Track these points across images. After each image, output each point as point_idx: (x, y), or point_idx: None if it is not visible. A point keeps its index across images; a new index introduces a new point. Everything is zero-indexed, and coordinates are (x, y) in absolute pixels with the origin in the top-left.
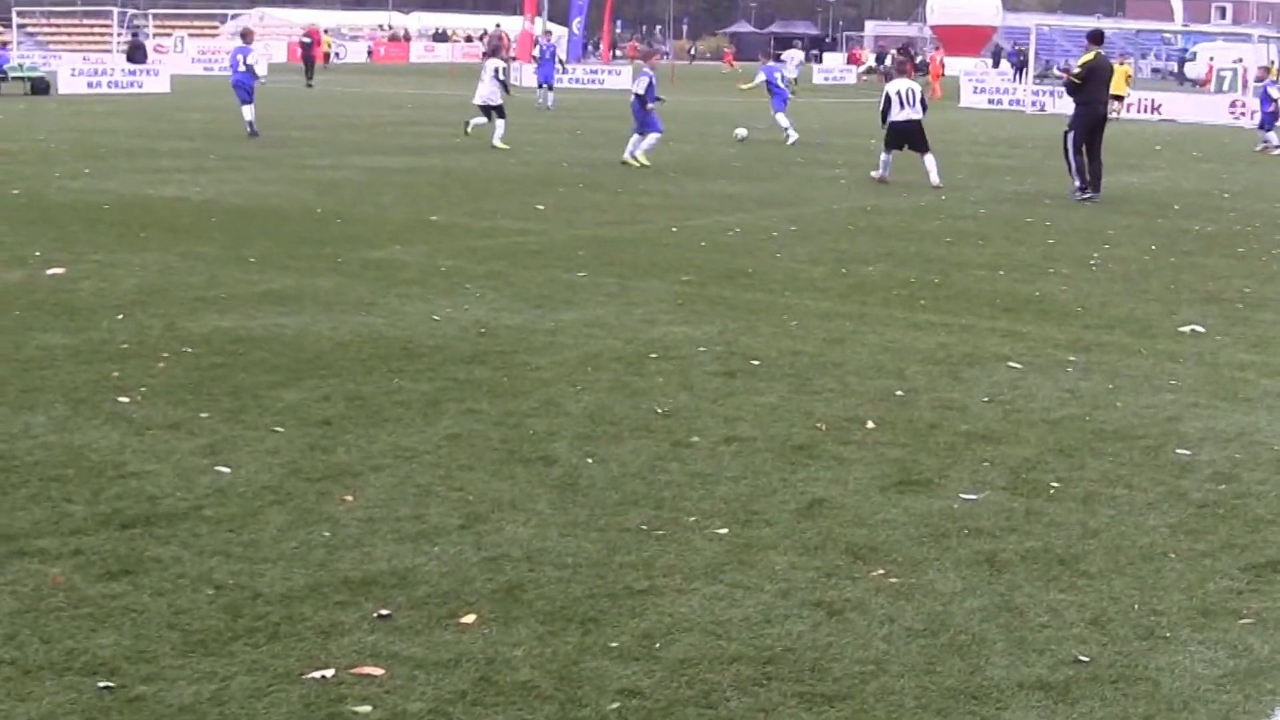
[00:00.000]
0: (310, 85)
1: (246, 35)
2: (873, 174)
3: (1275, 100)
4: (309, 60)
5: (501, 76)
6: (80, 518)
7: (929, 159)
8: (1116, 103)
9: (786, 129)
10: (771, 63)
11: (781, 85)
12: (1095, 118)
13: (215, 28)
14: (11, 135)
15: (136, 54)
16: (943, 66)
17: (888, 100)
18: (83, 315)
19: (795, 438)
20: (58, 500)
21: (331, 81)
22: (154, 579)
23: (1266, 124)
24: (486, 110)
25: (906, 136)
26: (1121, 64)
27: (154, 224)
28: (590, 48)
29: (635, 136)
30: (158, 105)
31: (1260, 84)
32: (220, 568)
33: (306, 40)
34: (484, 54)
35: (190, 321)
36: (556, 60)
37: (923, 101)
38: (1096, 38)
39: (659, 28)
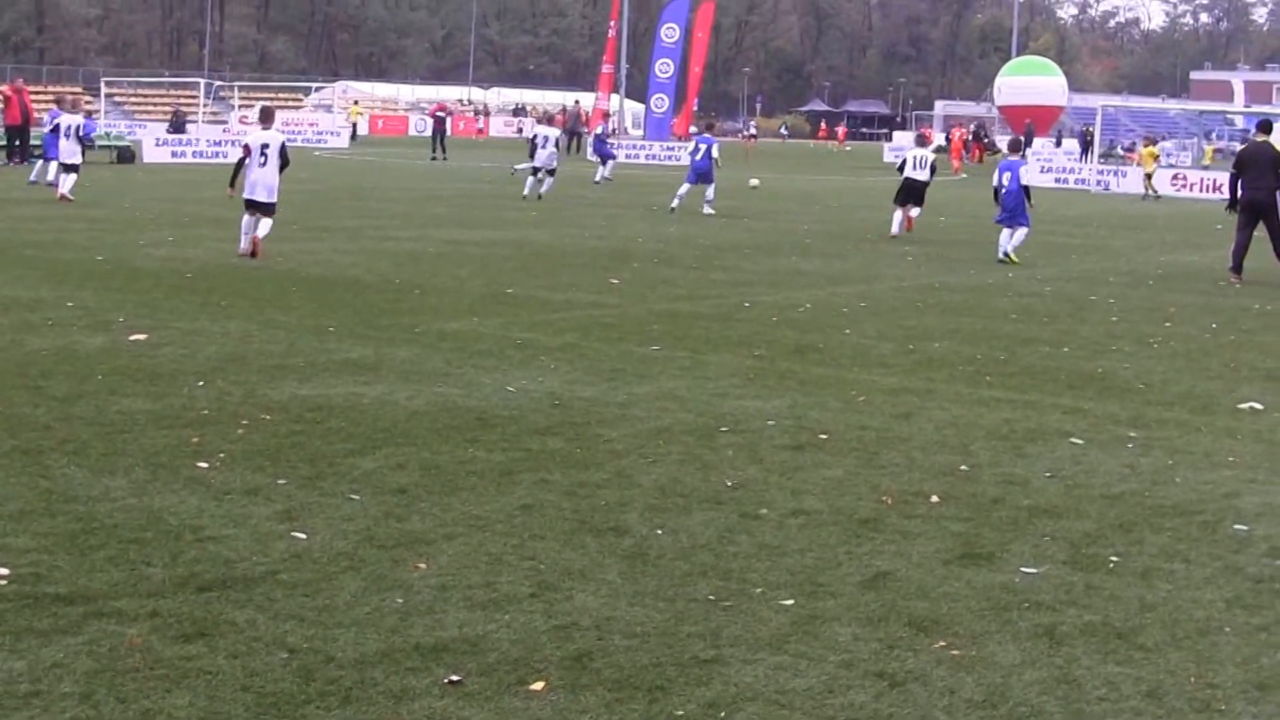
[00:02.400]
0: (435, 158)
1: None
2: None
3: None
4: (440, 133)
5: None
6: (158, 580)
7: (915, 210)
8: (1146, 180)
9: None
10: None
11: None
12: (1246, 201)
13: (299, 99)
14: (98, 203)
15: (178, 126)
16: (963, 144)
17: (903, 162)
18: (164, 381)
19: (861, 511)
20: (136, 562)
21: (412, 154)
22: (229, 642)
23: None
24: (536, 170)
25: (911, 194)
26: (1148, 145)
27: (235, 292)
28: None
29: (698, 186)
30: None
31: None
32: (294, 632)
33: (440, 114)
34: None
35: (269, 389)
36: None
37: (932, 167)
38: (1265, 127)
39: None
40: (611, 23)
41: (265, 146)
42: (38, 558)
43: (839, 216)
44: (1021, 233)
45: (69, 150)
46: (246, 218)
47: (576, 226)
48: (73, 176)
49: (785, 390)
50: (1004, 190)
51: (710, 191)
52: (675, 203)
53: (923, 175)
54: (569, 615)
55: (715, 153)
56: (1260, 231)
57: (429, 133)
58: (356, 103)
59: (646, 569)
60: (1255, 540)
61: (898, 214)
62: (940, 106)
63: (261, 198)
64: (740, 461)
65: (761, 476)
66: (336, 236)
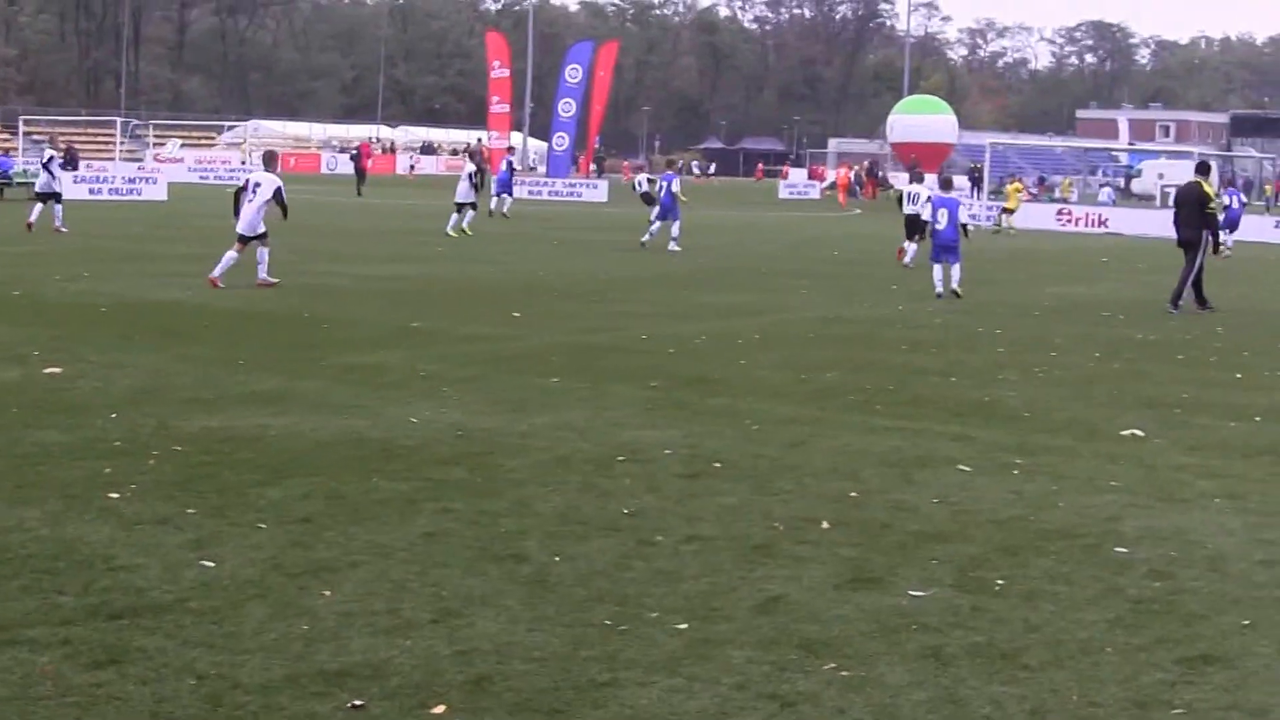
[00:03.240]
0: (360, 195)
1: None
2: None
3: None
4: (359, 171)
5: (475, 180)
6: (70, 608)
7: (912, 246)
8: (1007, 215)
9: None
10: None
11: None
12: (1179, 239)
13: (212, 138)
14: (14, 239)
15: (71, 163)
16: (849, 181)
17: (900, 196)
18: (78, 413)
19: (754, 537)
20: (49, 591)
21: (322, 192)
22: (139, 668)
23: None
24: (460, 206)
25: (914, 227)
26: (1012, 182)
27: (149, 326)
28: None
29: (664, 223)
30: (156, 212)
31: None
32: (203, 658)
33: (354, 153)
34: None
35: (181, 421)
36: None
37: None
38: (1202, 168)
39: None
40: (496, 63)
41: (257, 185)
42: None
43: (737, 250)
44: (958, 268)
45: None
46: (232, 251)
47: (482, 262)
48: None
49: (681, 420)
50: (940, 228)
51: (675, 228)
52: (645, 238)
53: (915, 209)
54: (470, 641)
55: (676, 187)
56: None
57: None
58: (243, 142)
59: (545, 595)
60: (1136, 563)
61: (910, 247)
62: (834, 144)
63: (241, 229)
64: (637, 490)
65: (658, 504)
66: (247, 272)
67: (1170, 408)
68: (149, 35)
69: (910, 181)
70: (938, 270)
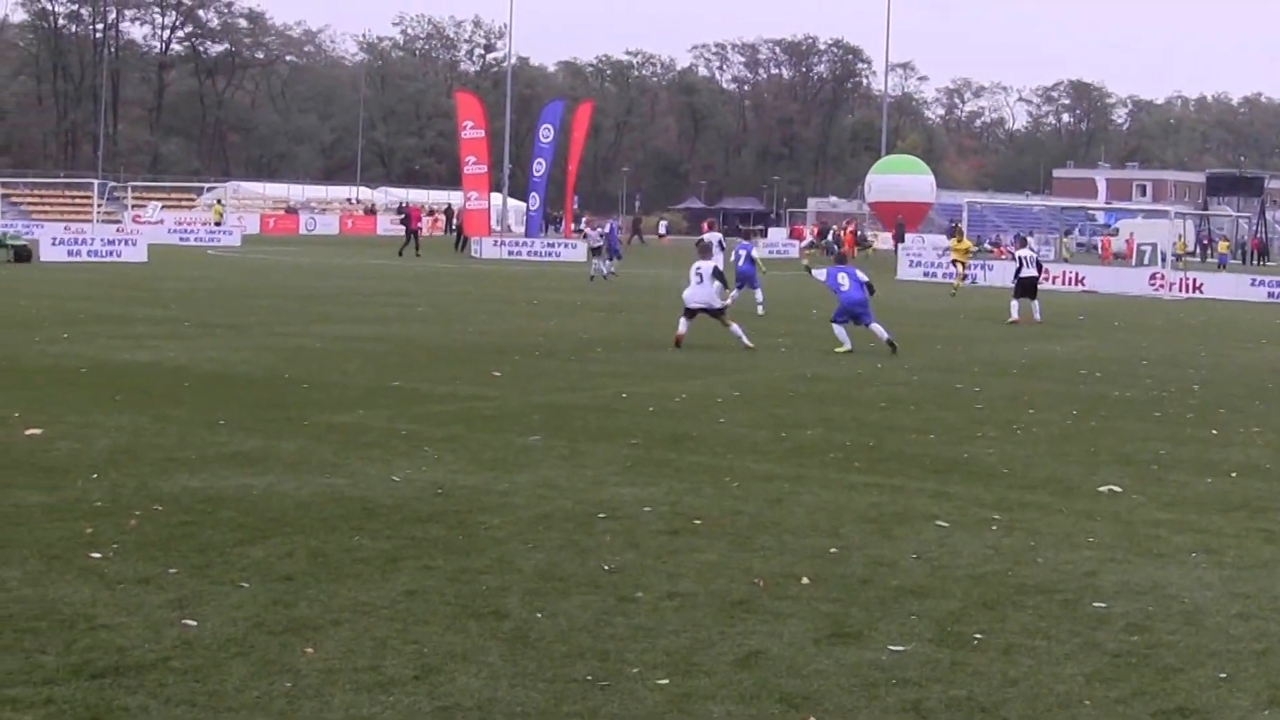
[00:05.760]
0: (420, 256)
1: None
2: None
3: None
4: (411, 233)
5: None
6: (52, 668)
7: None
8: (960, 267)
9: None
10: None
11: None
12: None
13: (192, 199)
14: None
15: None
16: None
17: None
18: (58, 474)
19: (735, 593)
20: (31, 651)
21: (301, 252)
22: None
23: None
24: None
25: (1026, 289)
26: (961, 240)
27: (129, 388)
28: (547, 224)
29: (743, 291)
30: (135, 274)
31: None
32: (185, 717)
33: (404, 215)
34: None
35: (161, 481)
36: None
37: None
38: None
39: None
40: (468, 123)
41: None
42: None
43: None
44: (877, 325)
45: None
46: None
47: (460, 322)
48: None
49: (661, 478)
50: (845, 290)
51: (759, 294)
52: (729, 301)
53: (1032, 271)
54: (452, 697)
55: (756, 254)
56: None
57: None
58: (220, 201)
59: (527, 651)
60: (1113, 617)
61: (1014, 304)
62: (813, 204)
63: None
64: (618, 546)
65: (638, 561)
66: (227, 333)
67: (1147, 464)
68: (127, 97)
69: (1017, 246)
70: (841, 330)
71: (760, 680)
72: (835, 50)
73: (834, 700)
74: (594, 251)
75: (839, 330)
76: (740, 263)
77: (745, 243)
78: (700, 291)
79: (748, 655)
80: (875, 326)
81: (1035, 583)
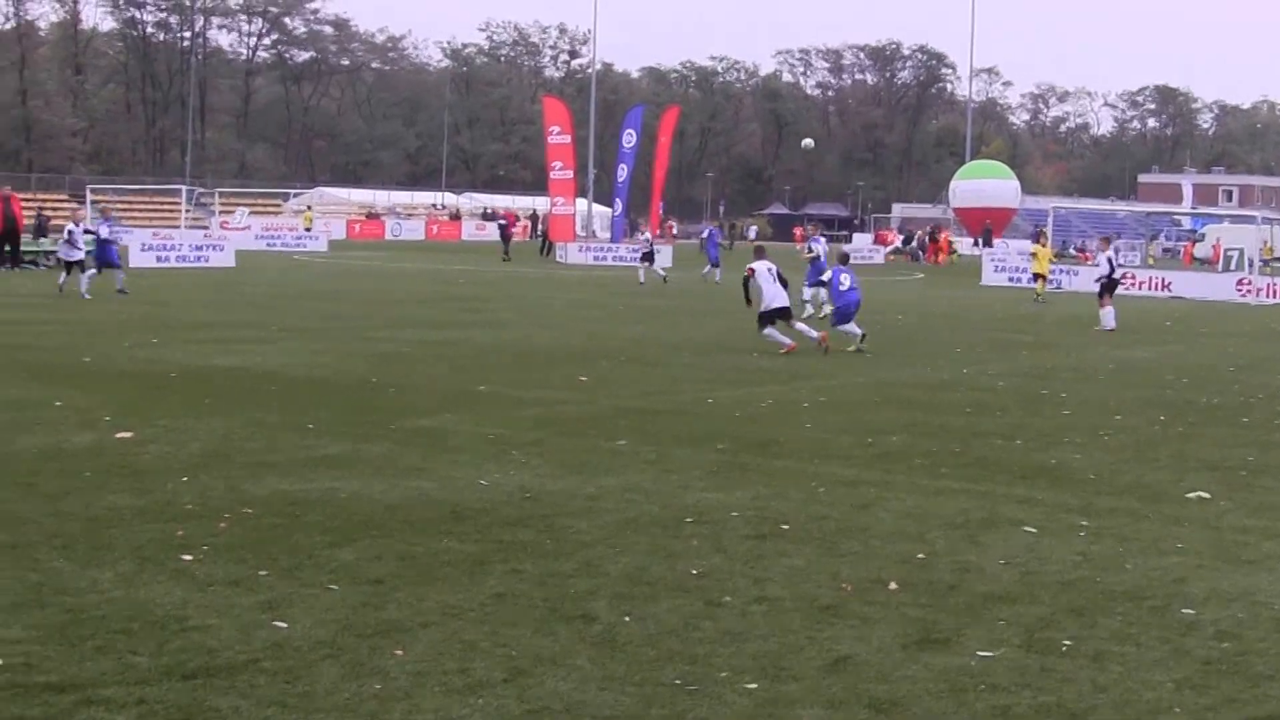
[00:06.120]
0: (508, 260)
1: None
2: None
3: None
4: (506, 238)
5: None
6: (145, 669)
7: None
8: (1039, 281)
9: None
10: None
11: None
12: None
13: (278, 205)
14: (84, 306)
15: (41, 231)
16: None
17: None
18: (149, 477)
19: (822, 598)
20: (124, 652)
21: (387, 258)
22: None
23: None
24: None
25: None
26: (1044, 245)
27: (218, 392)
28: (631, 228)
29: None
30: (223, 279)
31: None
32: (276, 718)
33: (503, 222)
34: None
35: (251, 484)
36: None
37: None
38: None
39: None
40: (555, 129)
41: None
42: (29, 648)
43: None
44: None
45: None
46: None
47: (546, 326)
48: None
49: (748, 482)
50: (847, 293)
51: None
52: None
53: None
54: (541, 700)
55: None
56: None
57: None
58: (309, 208)
59: (615, 655)
60: (1203, 624)
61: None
62: (898, 209)
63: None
64: (705, 551)
65: (725, 565)
66: (315, 337)
67: (1235, 470)
68: (214, 104)
69: (1102, 248)
70: (853, 326)
71: (848, 685)
72: (919, 56)
73: (922, 706)
74: (645, 256)
75: (852, 327)
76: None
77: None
78: (781, 291)
79: (836, 660)
80: (850, 326)
81: (1124, 589)
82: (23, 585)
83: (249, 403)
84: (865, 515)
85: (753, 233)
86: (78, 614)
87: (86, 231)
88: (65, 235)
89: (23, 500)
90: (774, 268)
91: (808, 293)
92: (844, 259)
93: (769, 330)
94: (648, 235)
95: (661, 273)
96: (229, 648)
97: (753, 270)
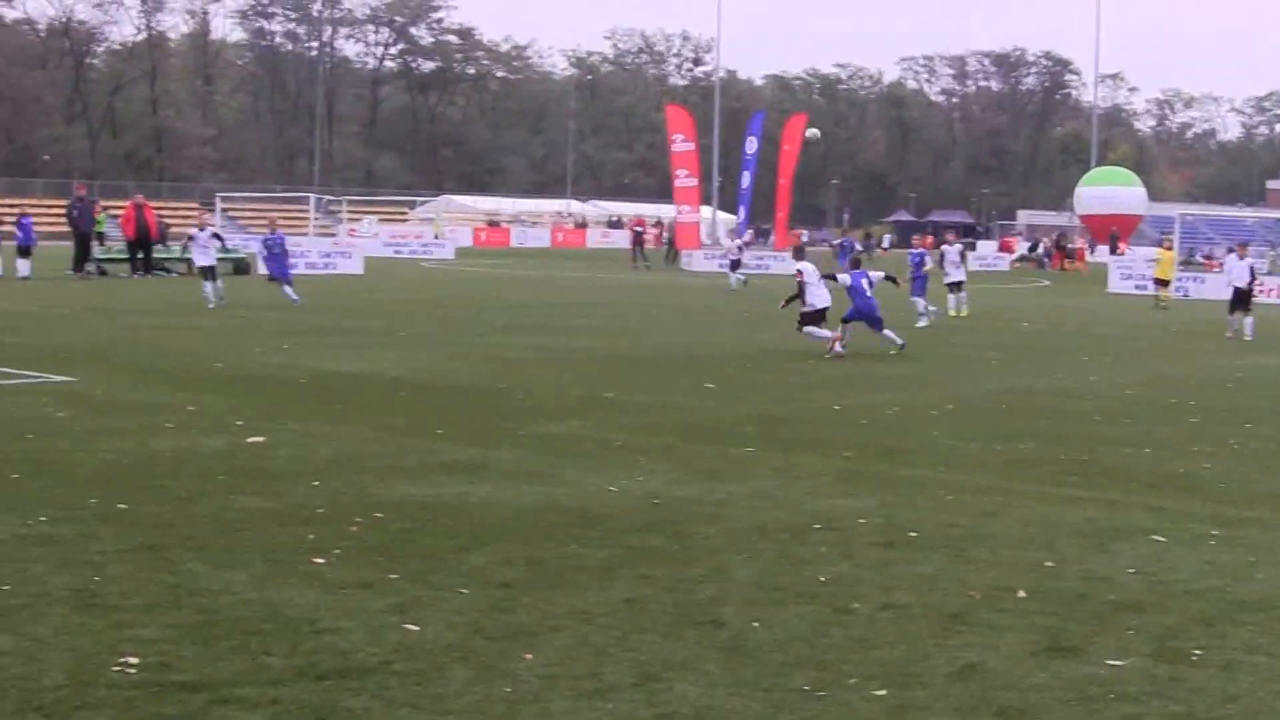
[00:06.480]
0: (637, 268)
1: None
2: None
3: None
4: (639, 244)
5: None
6: (278, 669)
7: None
8: (1162, 287)
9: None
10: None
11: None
12: None
13: (404, 213)
14: (215, 313)
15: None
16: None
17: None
18: (280, 481)
19: (950, 605)
20: (257, 652)
21: (513, 265)
22: None
23: None
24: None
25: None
26: (1169, 251)
27: (347, 397)
28: (758, 236)
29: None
30: (351, 286)
31: None
32: (408, 719)
33: (639, 229)
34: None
35: (381, 488)
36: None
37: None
38: None
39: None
40: (678, 137)
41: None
42: (164, 648)
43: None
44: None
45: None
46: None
47: (672, 333)
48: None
49: (875, 490)
50: (870, 298)
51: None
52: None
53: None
54: (670, 704)
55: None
56: None
57: (628, 244)
58: (440, 215)
59: (744, 660)
60: None
61: (1233, 319)
62: (1023, 216)
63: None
64: (832, 558)
65: (853, 572)
66: (442, 344)
67: None
68: (341, 113)
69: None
70: (891, 332)
71: (977, 693)
72: (1044, 62)
73: (1052, 714)
74: (733, 264)
75: (892, 333)
76: (916, 273)
77: (919, 252)
78: (825, 292)
79: (964, 668)
80: (847, 331)
81: (1255, 599)
82: (159, 586)
83: (378, 408)
84: (993, 523)
85: (887, 241)
86: (212, 615)
87: (214, 236)
88: (193, 240)
89: (158, 503)
90: (816, 269)
91: (920, 304)
92: (855, 263)
93: (809, 329)
94: (739, 243)
95: (742, 279)
96: (360, 649)
97: (802, 273)
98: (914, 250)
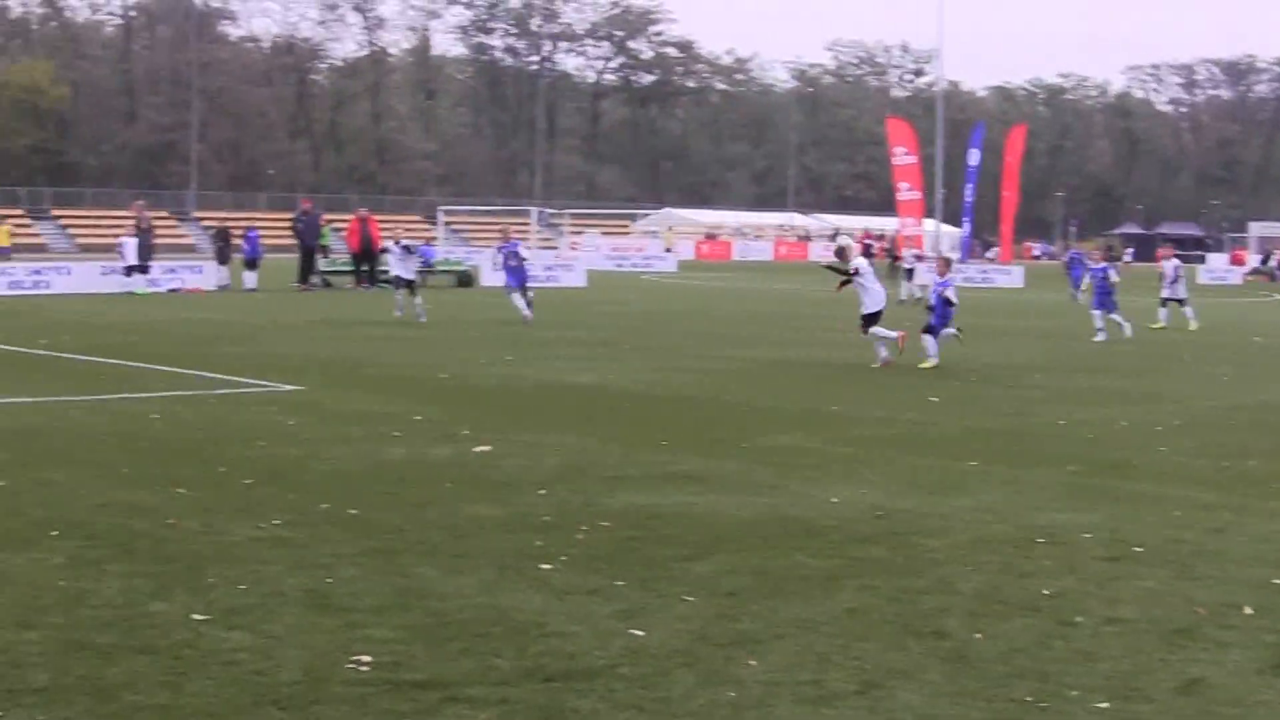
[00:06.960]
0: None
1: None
2: None
3: None
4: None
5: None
6: (506, 670)
7: None
8: None
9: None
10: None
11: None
12: None
13: (626, 226)
14: (440, 324)
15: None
16: None
17: None
18: (508, 489)
19: (1175, 620)
20: (486, 654)
21: (735, 278)
22: None
23: None
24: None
25: None
26: None
27: (572, 408)
28: (981, 248)
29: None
30: (574, 298)
31: None
32: None
33: (868, 243)
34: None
35: (607, 497)
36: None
37: None
38: None
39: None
40: (900, 149)
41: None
42: (396, 648)
43: (1152, 336)
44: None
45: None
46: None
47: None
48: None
49: (1101, 504)
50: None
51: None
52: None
53: None
54: (892, 712)
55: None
56: None
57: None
58: (670, 228)
59: (966, 670)
60: None
61: None
62: (1255, 228)
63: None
64: (1056, 571)
65: (1077, 586)
66: (665, 356)
67: None
68: (562, 127)
69: None
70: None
71: (1202, 708)
72: (1277, 69)
73: None
74: (907, 274)
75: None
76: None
77: (1102, 265)
78: (883, 294)
79: (1189, 683)
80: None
81: None
82: (391, 589)
83: (602, 418)
84: (1220, 539)
85: (1128, 255)
86: (442, 617)
87: (405, 249)
88: (389, 252)
89: (389, 509)
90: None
91: (1099, 319)
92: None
93: (874, 329)
94: (914, 252)
95: (919, 292)
96: (587, 653)
97: (858, 270)
98: (1095, 265)
